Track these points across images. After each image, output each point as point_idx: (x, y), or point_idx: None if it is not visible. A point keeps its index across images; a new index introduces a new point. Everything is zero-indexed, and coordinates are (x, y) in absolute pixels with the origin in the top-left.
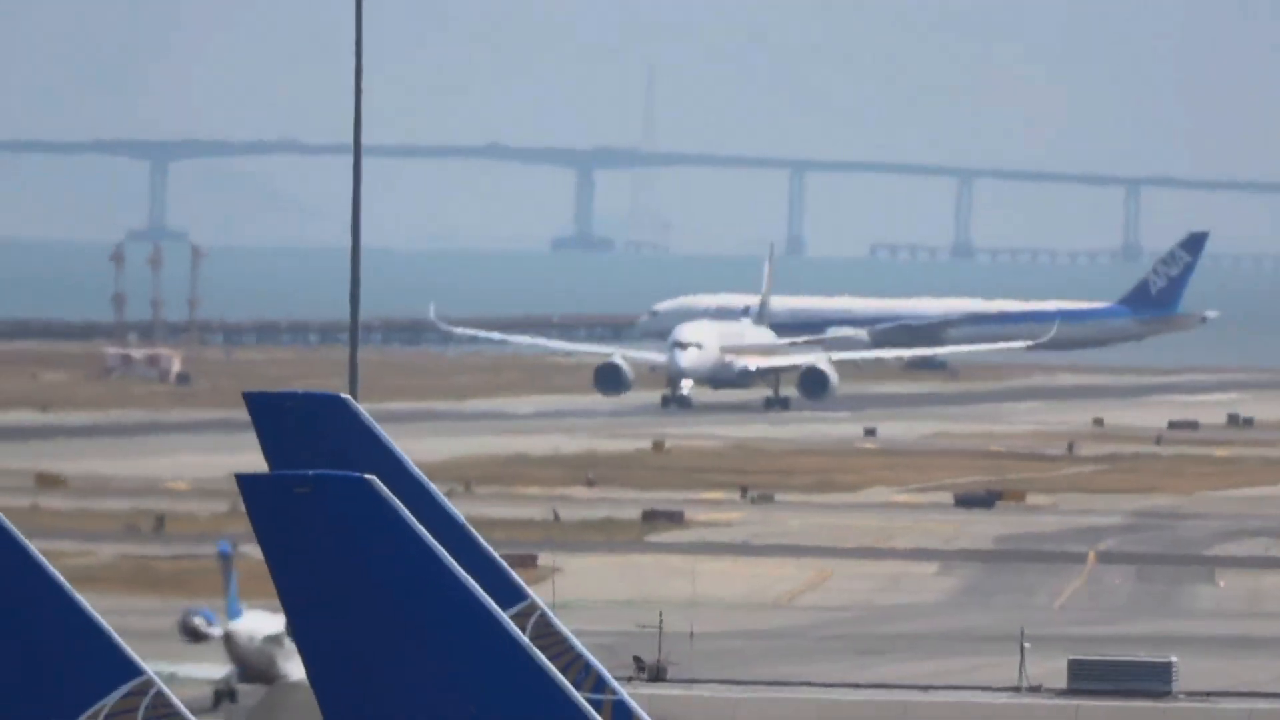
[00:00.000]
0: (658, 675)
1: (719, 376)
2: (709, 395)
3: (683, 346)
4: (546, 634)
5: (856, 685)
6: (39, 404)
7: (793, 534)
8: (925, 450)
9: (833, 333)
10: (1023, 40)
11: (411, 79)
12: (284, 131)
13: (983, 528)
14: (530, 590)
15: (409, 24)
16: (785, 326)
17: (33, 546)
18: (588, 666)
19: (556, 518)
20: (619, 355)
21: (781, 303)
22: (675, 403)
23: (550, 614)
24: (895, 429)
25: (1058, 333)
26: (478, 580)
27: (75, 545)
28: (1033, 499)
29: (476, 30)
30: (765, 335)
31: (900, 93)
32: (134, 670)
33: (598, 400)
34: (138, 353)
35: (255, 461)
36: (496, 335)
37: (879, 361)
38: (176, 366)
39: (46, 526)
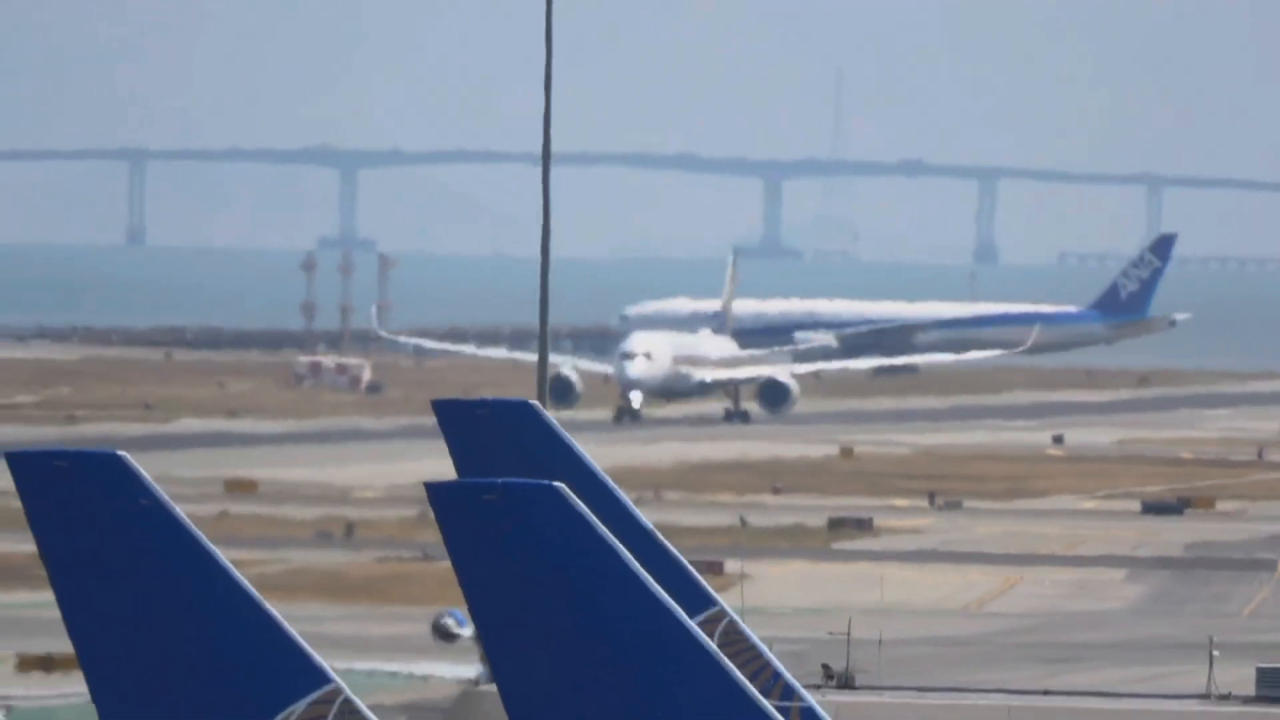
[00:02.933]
0: (846, 682)
1: (672, 388)
2: (666, 409)
3: (630, 357)
4: (734, 641)
5: (1044, 692)
6: (228, 412)
7: (981, 541)
8: (1113, 457)
9: (800, 337)
10: (1224, 46)
11: (604, 88)
12: (473, 140)
13: (1171, 535)
14: (718, 597)
15: (601, 34)
16: (751, 331)
17: (221, 554)
18: (776, 674)
19: (744, 524)
20: (569, 366)
21: (748, 306)
22: (628, 416)
23: (738, 621)
24: (1084, 436)
25: (1027, 337)
26: (666, 587)
27: (265, 553)
28: (1222, 506)
29: (669, 40)
30: (724, 345)
31: (1092, 101)
32: (322, 678)
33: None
34: (328, 361)
35: (445, 469)
36: (430, 344)
37: (845, 370)
38: (367, 375)
39: (236, 534)
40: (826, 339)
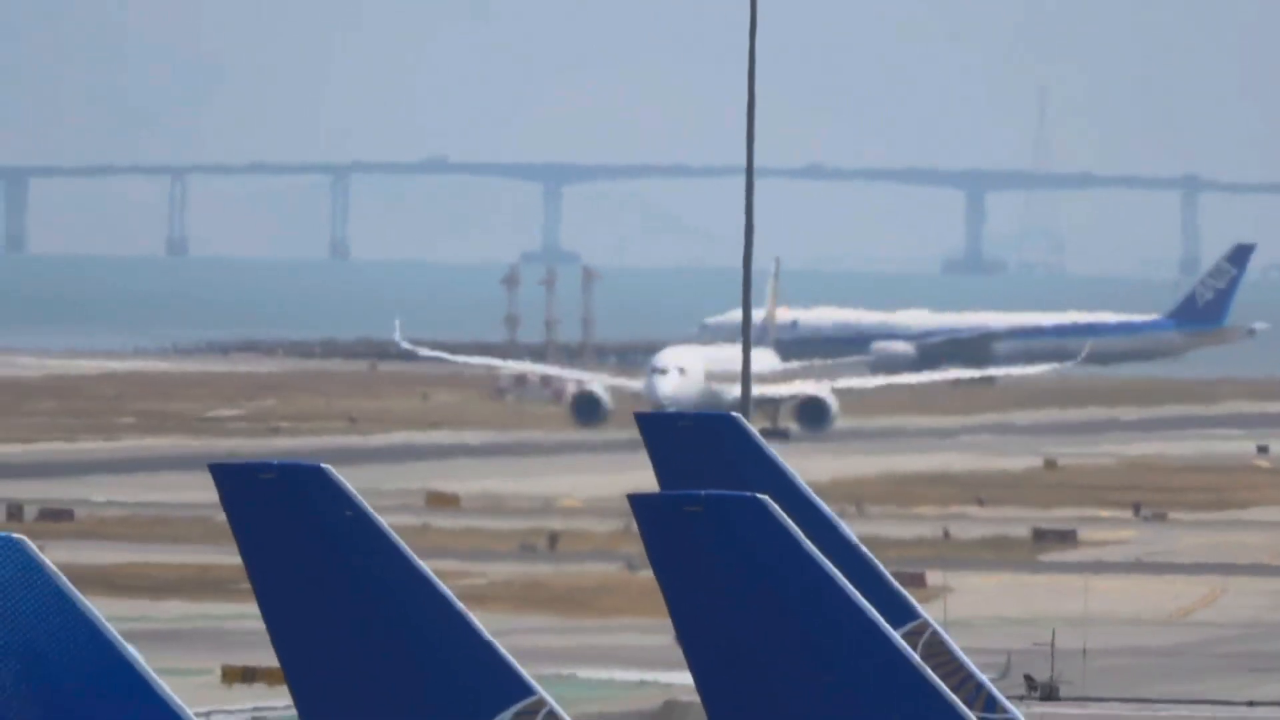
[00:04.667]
0: (1050, 694)
1: (707, 405)
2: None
3: (662, 372)
4: (938, 652)
5: (1249, 703)
6: (429, 424)
7: (1185, 552)
8: None
9: (877, 347)
10: None
11: (806, 101)
12: (675, 154)
13: None
14: (921, 609)
15: (804, 47)
16: (829, 340)
17: (425, 565)
18: (979, 685)
19: (947, 536)
20: (597, 383)
21: (825, 315)
22: None
23: (942, 632)
24: None
25: (1103, 347)
26: (869, 599)
27: (468, 565)
28: None
29: (871, 51)
30: (763, 358)
31: None
32: (525, 689)
33: (573, 435)
34: (532, 374)
35: (648, 481)
36: (444, 355)
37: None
38: (571, 387)
39: (438, 546)
40: (905, 349)
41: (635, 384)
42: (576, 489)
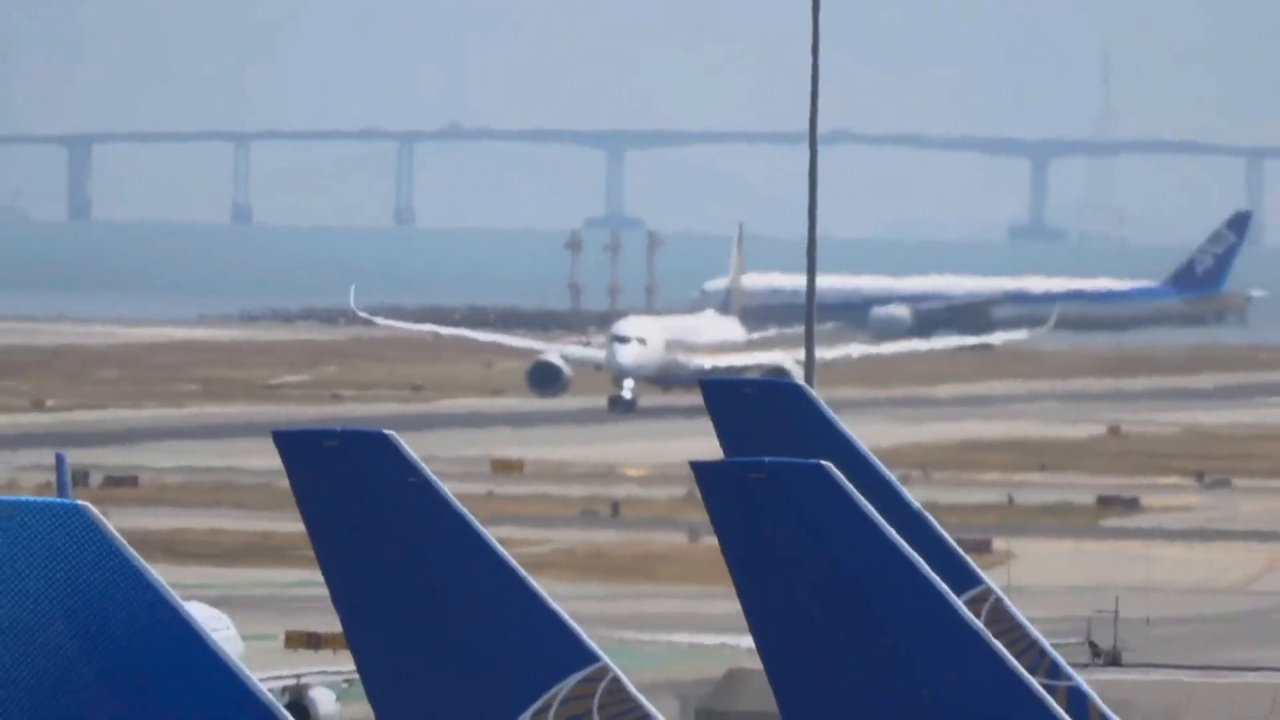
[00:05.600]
0: (1113, 660)
1: (667, 376)
2: (666, 398)
3: (622, 341)
4: (1001, 619)
5: None
6: (493, 391)
7: (1249, 519)
8: None
9: (875, 313)
10: None
11: (869, 67)
12: (740, 120)
13: None
14: (985, 576)
15: (864, 13)
16: (826, 306)
17: (488, 532)
18: (1042, 652)
19: (1011, 503)
20: (555, 352)
21: (822, 281)
22: (622, 406)
23: (1005, 599)
24: None
25: (1104, 312)
26: (933, 566)
27: (531, 532)
28: None
29: (931, 20)
30: (726, 327)
31: None
32: (589, 656)
33: (534, 403)
34: (595, 340)
35: (712, 448)
36: (397, 324)
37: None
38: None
39: (502, 513)
40: (903, 314)
41: (596, 353)
42: (641, 456)
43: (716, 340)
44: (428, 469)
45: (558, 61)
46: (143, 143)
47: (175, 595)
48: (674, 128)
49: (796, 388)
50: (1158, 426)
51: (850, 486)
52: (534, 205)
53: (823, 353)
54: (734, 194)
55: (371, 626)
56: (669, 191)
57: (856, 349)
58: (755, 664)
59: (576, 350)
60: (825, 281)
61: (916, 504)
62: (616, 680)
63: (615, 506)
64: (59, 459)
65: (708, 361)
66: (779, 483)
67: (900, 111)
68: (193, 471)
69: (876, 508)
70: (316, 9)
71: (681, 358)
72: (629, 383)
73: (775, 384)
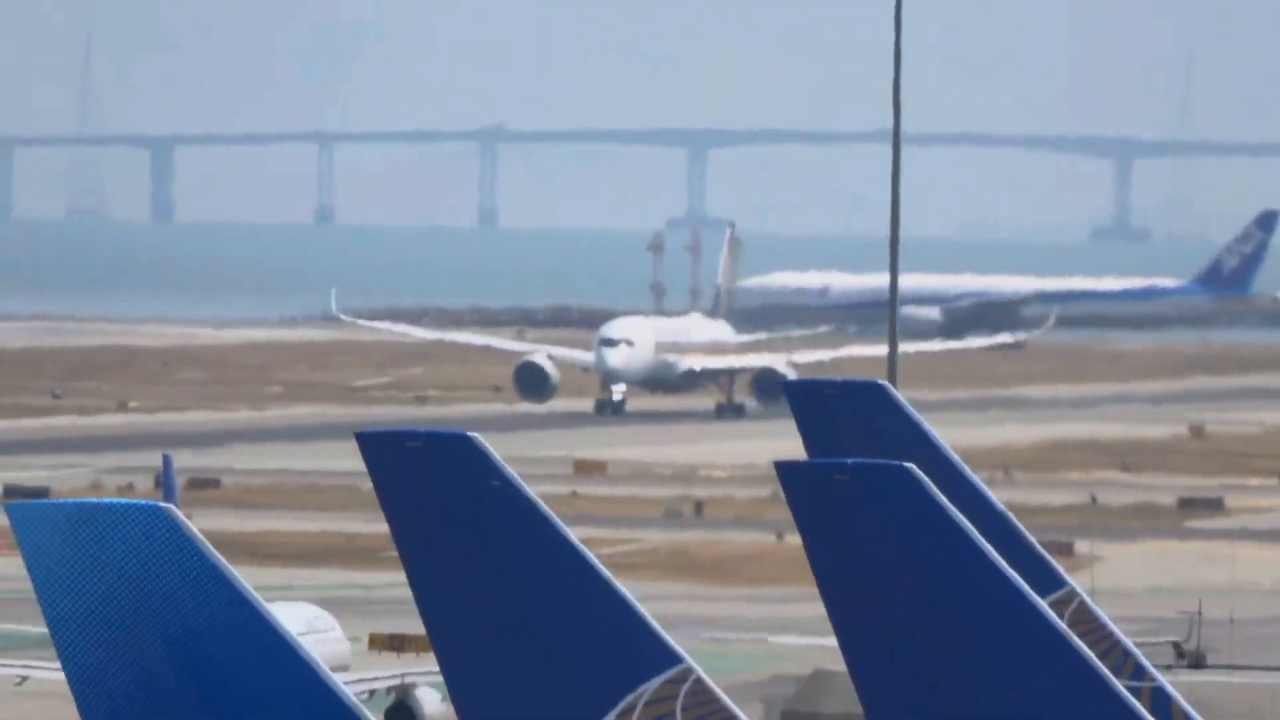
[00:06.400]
0: (1197, 662)
1: (657, 378)
2: (649, 401)
3: (611, 344)
4: (1085, 621)
5: None
6: (575, 391)
7: None
8: None
9: (904, 312)
10: None
11: (953, 67)
12: (823, 119)
13: None
14: (1069, 578)
15: (949, 11)
16: (853, 306)
17: (571, 533)
18: (1126, 653)
19: (1094, 504)
20: (542, 354)
21: (846, 281)
22: (610, 409)
23: (1089, 601)
24: None
25: (1129, 311)
26: (1016, 568)
27: (614, 532)
28: None
29: (1018, 18)
30: (716, 329)
31: None
32: (673, 657)
33: (523, 407)
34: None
35: (795, 449)
36: (386, 325)
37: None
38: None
39: (586, 514)
40: (932, 314)
41: (584, 355)
42: (724, 456)
43: (707, 342)
44: (510, 470)
45: (640, 60)
46: (226, 144)
47: (258, 596)
48: (757, 127)
49: (880, 388)
50: (1241, 426)
51: (934, 488)
52: (616, 205)
53: (825, 354)
54: (817, 193)
55: (455, 628)
56: (751, 191)
57: (857, 350)
58: (840, 665)
59: (564, 352)
60: (855, 280)
61: (1000, 505)
62: (700, 682)
63: (699, 506)
64: (166, 460)
65: (698, 364)
66: (863, 484)
67: (983, 111)
68: (276, 473)
69: (960, 509)
70: (400, 9)
71: (671, 360)
72: (618, 385)
73: (859, 384)
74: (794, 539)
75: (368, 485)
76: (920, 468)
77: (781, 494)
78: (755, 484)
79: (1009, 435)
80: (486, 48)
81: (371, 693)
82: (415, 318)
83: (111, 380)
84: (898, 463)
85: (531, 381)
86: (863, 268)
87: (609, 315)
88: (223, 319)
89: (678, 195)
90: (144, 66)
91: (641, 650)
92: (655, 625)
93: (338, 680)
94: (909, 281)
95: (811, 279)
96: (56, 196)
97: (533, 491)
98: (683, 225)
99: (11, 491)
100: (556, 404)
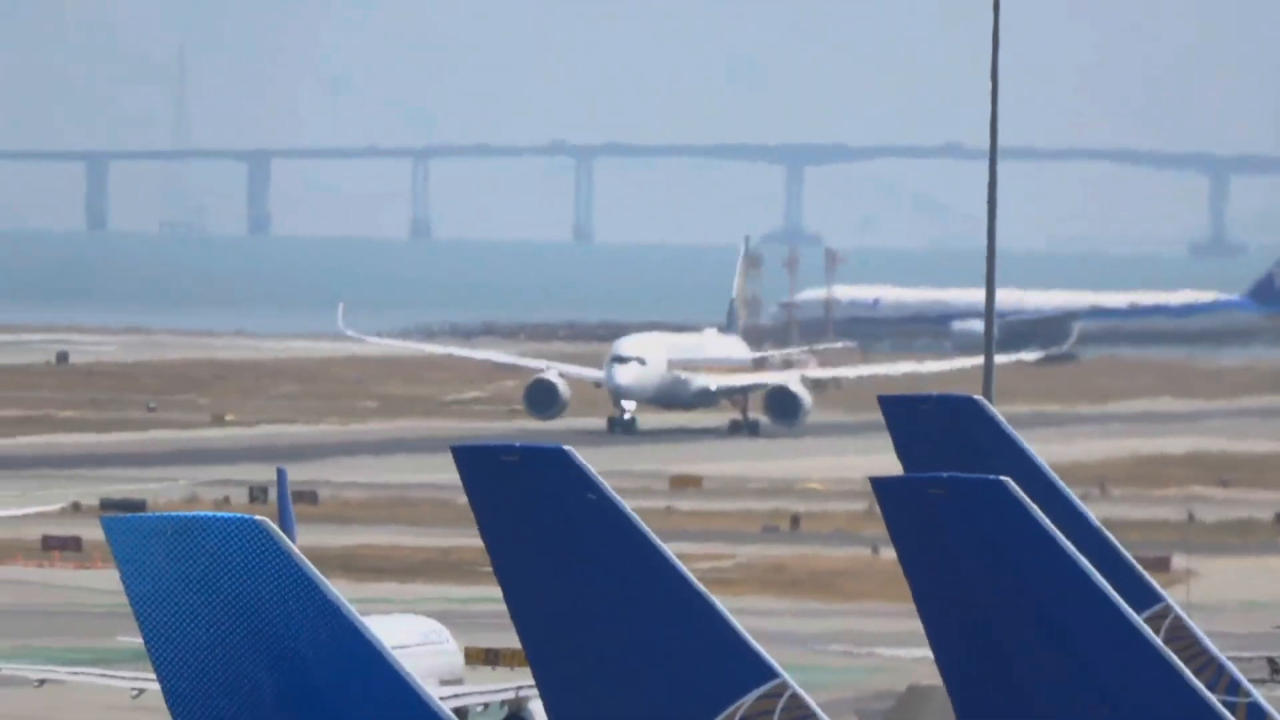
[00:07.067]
0: None
1: (670, 396)
2: (663, 418)
3: (622, 361)
4: (1180, 637)
5: None
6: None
7: None
8: None
9: (957, 327)
10: None
11: (1048, 82)
12: (916, 134)
13: None
14: (1164, 593)
15: (1044, 26)
16: (907, 320)
17: (667, 547)
18: (1221, 669)
19: (1191, 519)
20: (553, 371)
21: (899, 295)
22: (621, 427)
23: (1184, 616)
24: None
25: (1180, 326)
26: (1111, 582)
27: (710, 547)
28: None
29: (1112, 33)
30: (731, 346)
31: None
32: (769, 672)
33: (533, 424)
34: (775, 355)
35: (891, 463)
36: (390, 340)
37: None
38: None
39: (681, 528)
40: (982, 327)
41: (596, 373)
42: (820, 471)
43: (720, 359)
44: (606, 484)
45: (735, 76)
46: (322, 158)
47: (352, 609)
48: (853, 143)
49: (975, 403)
50: None
51: (1030, 502)
52: (711, 221)
53: (843, 371)
54: (913, 208)
55: (550, 642)
56: (847, 207)
57: (869, 369)
58: (935, 680)
59: (575, 370)
60: (907, 294)
61: (1095, 520)
62: (796, 697)
63: (795, 520)
64: (280, 474)
65: (712, 382)
66: (959, 498)
67: (1078, 125)
68: (371, 487)
69: (1055, 523)
70: (495, 24)
71: (684, 377)
72: (629, 403)
73: (954, 399)
74: (889, 553)
75: (463, 499)
76: (1016, 481)
77: (877, 509)
78: (852, 498)
79: (1106, 449)
80: (582, 62)
81: (485, 705)
82: (512, 333)
83: (207, 394)
84: (993, 477)
85: (541, 398)
86: (953, 282)
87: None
88: (318, 332)
89: (774, 211)
90: (239, 79)
91: (737, 665)
92: (751, 640)
93: (430, 693)
94: (965, 296)
95: (862, 292)
96: (151, 210)
97: (628, 506)
98: (779, 241)
99: (108, 505)
100: (568, 421)
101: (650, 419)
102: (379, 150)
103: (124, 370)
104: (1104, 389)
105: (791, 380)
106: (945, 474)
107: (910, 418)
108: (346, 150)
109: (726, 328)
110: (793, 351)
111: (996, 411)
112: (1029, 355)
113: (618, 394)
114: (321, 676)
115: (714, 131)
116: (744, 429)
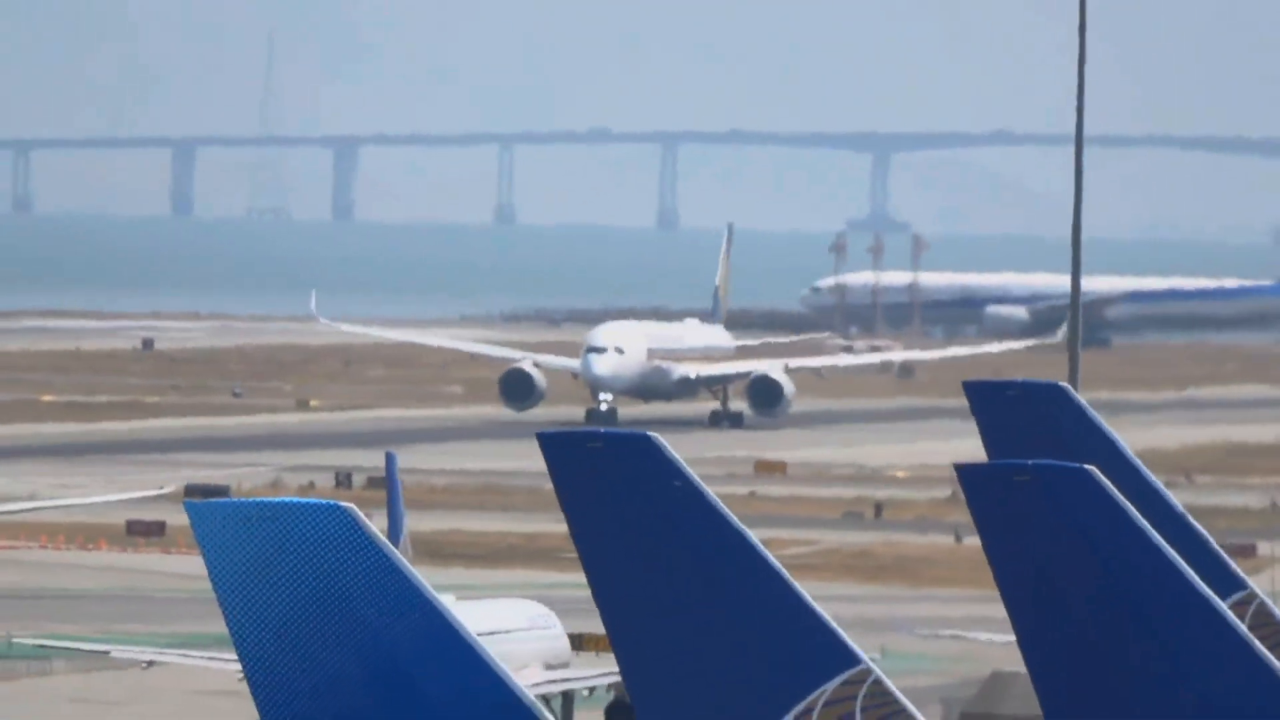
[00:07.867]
0: None
1: (649, 386)
2: (642, 409)
3: (598, 351)
4: (1265, 623)
5: None
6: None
7: None
8: None
9: (990, 312)
10: None
11: (1134, 70)
12: (1006, 121)
13: None
14: (1249, 580)
15: (1131, 12)
16: (942, 304)
17: (752, 533)
18: None
19: (1276, 507)
20: (529, 361)
21: (934, 279)
22: (599, 418)
23: (1270, 603)
24: None
25: (1212, 311)
26: (1197, 569)
27: (794, 533)
28: None
29: (1196, 21)
30: (711, 334)
31: None
32: (852, 659)
33: (502, 413)
34: (860, 344)
35: (976, 450)
36: (361, 329)
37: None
38: (895, 355)
39: (765, 514)
40: (1018, 313)
41: (573, 363)
42: (904, 457)
43: (701, 348)
44: (691, 470)
45: (824, 64)
46: (406, 145)
47: (437, 595)
48: (939, 130)
49: (1061, 390)
50: None
51: (1115, 490)
52: (798, 208)
53: (822, 360)
54: (1000, 196)
55: (635, 628)
56: (934, 194)
57: (848, 359)
58: (1019, 667)
59: (551, 359)
60: (940, 278)
61: (1180, 507)
62: (879, 683)
63: (878, 508)
64: (389, 458)
65: (692, 371)
66: (1043, 486)
67: (1163, 112)
68: (457, 473)
69: (1140, 511)
70: (583, 12)
71: (664, 366)
72: (605, 394)
73: (1039, 386)
74: (973, 541)
75: (548, 485)
76: (1100, 468)
77: (961, 495)
78: (935, 485)
79: (1193, 436)
80: (668, 50)
81: (591, 690)
82: (598, 318)
83: (292, 379)
84: (1078, 465)
85: (517, 389)
86: (1040, 268)
87: (785, 317)
88: (403, 318)
89: (860, 198)
90: (326, 66)
91: (821, 651)
92: (834, 626)
93: (517, 680)
94: (995, 281)
95: (896, 277)
96: (238, 196)
97: (712, 492)
98: (865, 228)
99: (192, 490)
100: (543, 412)
101: (629, 410)
102: (464, 137)
103: (209, 356)
104: (1189, 376)
105: (773, 369)
106: (1030, 461)
107: (996, 404)
108: (431, 137)
109: (711, 316)
110: (771, 341)
111: (1082, 398)
112: (1017, 344)
113: (595, 385)
114: (406, 663)
115: (801, 119)
116: (725, 419)
